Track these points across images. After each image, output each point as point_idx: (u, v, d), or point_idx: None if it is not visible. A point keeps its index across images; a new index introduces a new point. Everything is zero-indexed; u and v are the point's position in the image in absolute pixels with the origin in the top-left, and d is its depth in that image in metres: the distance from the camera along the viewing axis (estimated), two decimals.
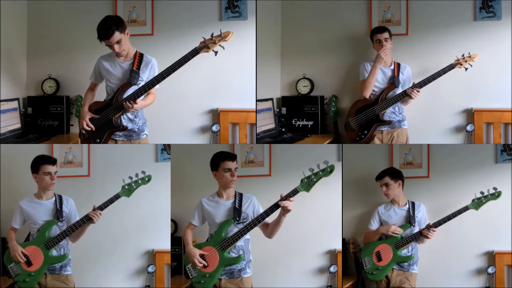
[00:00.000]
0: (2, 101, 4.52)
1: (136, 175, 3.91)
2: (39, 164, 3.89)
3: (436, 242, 4.28)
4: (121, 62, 3.96)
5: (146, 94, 3.93)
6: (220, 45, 3.73)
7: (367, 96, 4.52)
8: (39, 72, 4.87)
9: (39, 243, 3.84)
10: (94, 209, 3.83)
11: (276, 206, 3.65)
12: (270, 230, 3.78)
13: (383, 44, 4.48)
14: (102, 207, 3.84)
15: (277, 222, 3.73)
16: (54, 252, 3.86)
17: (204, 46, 3.74)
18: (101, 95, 4.10)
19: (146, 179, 3.93)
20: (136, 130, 4.03)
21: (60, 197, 3.95)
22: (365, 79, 4.52)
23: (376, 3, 4.82)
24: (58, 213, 3.89)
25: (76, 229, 3.84)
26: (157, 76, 3.84)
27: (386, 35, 4.49)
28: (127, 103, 3.86)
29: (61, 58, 4.84)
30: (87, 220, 3.83)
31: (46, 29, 4.85)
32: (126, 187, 3.90)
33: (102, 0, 4.77)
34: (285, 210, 3.63)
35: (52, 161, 3.92)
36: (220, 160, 3.77)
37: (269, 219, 3.76)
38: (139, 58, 3.97)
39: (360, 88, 4.57)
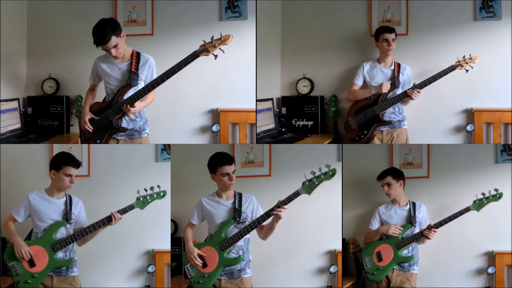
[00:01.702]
0: (2, 101, 4.52)
1: (152, 188, 3.89)
2: (63, 163, 3.74)
3: (437, 242, 4.28)
4: (118, 63, 3.94)
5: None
6: (220, 48, 3.71)
7: (350, 101, 4.62)
8: (39, 72, 4.87)
9: (45, 244, 3.72)
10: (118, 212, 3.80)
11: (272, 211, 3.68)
12: (264, 233, 3.80)
13: (390, 43, 4.48)
14: (121, 212, 3.81)
15: (270, 227, 3.75)
16: (60, 255, 3.76)
17: (204, 50, 3.70)
18: (102, 95, 4.10)
19: (161, 194, 3.92)
20: (137, 129, 4.03)
21: (71, 198, 3.83)
22: (357, 91, 4.59)
23: (376, 3, 4.82)
24: (67, 214, 3.79)
25: (90, 231, 3.76)
26: (156, 78, 3.83)
27: (393, 35, 4.50)
28: (125, 107, 3.85)
29: (61, 58, 4.84)
30: (108, 221, 3.77)
31: (46, 29, 4.85)
32: (141, 199, 3.87)
33: (102, 0, 4.77)
34: (277, 217, 3.65)
35: (77, 164, 3.77)
36: (217, 165, 3.75)
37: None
38: (136, 58, 3.94)
39: (348, 90, 4.62)
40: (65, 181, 3.75)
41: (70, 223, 3.80)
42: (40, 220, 3.76)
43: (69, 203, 3.81)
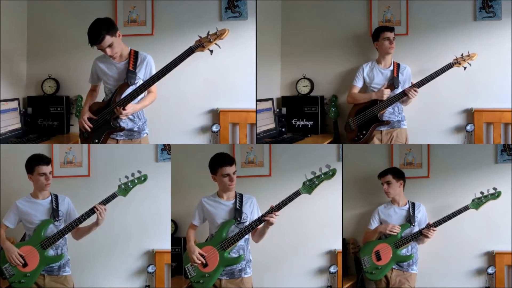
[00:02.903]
0: (2, 101, 4.52)
1: (132, 174, 3.90)
2: (33, 164, 3.84)
3: (436, 242, 4.28)
4: (116, 63, 3.93)
5: (145, 93, 3.93)
6: (216, 43, 3.67)
7: (349, 104, 4.65)
8: (39, 72, 4.87)
9: (35, 243, 3.79)
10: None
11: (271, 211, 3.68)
12: (256, 237, 3.81)
13: (392, 41, 4.49)
14: (104, 202, 3.82)
15: (261, 232, 3.77)
16: (51, 252, 3.82)
17: (199, 45, 3.68)
18: (103, 96, 4.10)
19: (142, 178, 3.92)
20: (136, 129, 4.03)
21: (56, 197, 3.90)
22: (357, 95, 4.60)
23: (376, 3, 4.82)
24: (54, 212, 3.85)
25: (76, 225, 3.80)
26: (152, 76, 3.83)
27: (393, 34, 4.51)
28: (117, 110, 3.84)
29: (61, 58, 4.84)
30: (92, 213, 3.79)
31: (46, 29, 4.85)
32: (123, 186, 3.89)
33: (102, 0, 4.77)
34: (269, 223, 3.67)
35: (46, 161, 3.86)
36: (217, 166, 3.76)
37: None
38: (134, 56, 3.93)
39: (348, 92, 4.65)
40: (41, 180, 3.84)
41: (58, 220, 3.86)
42: (29, 223, 3.85)
43: (55, 202, 3.88)
